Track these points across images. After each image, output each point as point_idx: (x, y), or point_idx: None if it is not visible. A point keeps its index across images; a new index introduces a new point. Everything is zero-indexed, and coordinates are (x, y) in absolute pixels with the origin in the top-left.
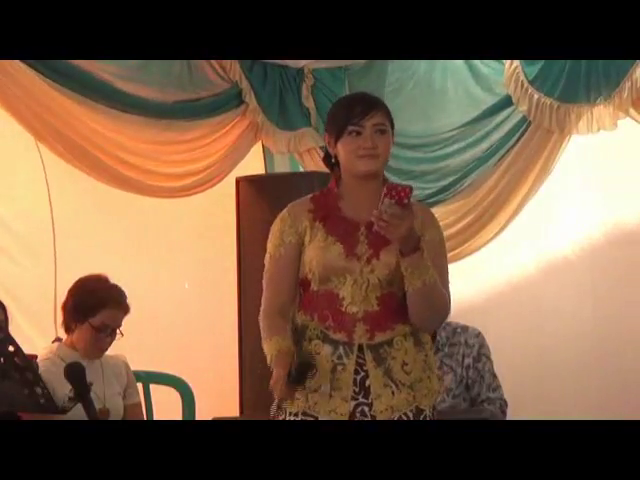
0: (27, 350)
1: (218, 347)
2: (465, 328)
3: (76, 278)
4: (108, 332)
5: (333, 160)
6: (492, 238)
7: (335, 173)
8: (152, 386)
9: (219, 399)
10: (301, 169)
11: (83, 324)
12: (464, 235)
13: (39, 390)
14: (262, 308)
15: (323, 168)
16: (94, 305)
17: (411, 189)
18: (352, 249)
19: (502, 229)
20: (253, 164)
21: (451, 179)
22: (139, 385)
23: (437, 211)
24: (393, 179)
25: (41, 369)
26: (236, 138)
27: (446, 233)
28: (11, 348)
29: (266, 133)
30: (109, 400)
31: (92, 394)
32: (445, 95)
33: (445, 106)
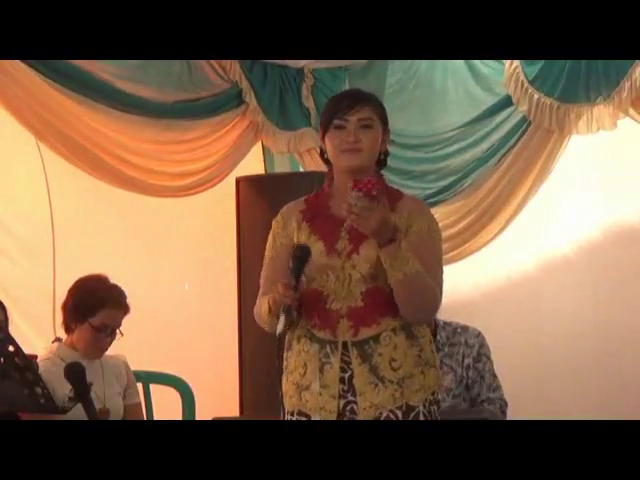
0: (26, 350)
1: (218, 347)
2: (465, 328)
3: (75, 278)
4: (108, 332)
5: (325, 155)
6: (492, 238)
7: (329, 171)
8: (152, 386)
9: (219, 399)
10: (301, 169)
11: (83, 324)
12: (464, 235)
13: (39, 390)
14: (255, 306)
15: (323, 168)
16: (94, 305)
17: (377, 180)
18: (332, 246)
19: (502, 229)
20: (253, 164)
21: (451, 179)
22: (139, 385)
23: (437, 211)
24: (393, 179)
25: (41, 369)
26: (236, 138)
27: (446, 233)
28: (11, 348)
29: (266, 133)
30: (109, 400)
31: (92, 394)
32: (445, 95)
33: (445, 106)
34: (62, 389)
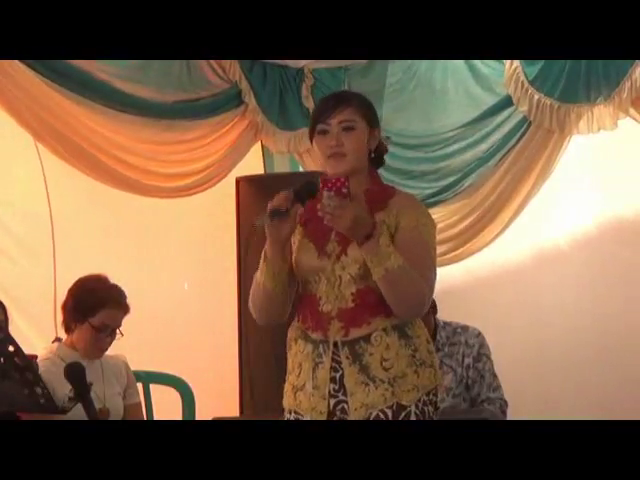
0: (26, 350)
1: (218, 347)
2: (465, 328)
3: (75, 278)
4: (108, 332)
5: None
6: (493, 238)
7: (326, 174)
8: (152, 386)
9: (219, 399)
10: (301, 169)
11: (83, 324)
12: (466, 235)
13: (39, 390)
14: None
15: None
16: (94, 305)
17: (346, 178)
18: (323, 248)
19: (503, 229)
20: (253, 164)
21: (451, 179)
22: (139, 385)
23: (438, 211)
24: (393, 179)
25: (41, 369)
26: (236, 138)
27: (447, 234)
28: (11, 348)
29: (266, 133)
30: (109, 400)
31: (92, 394)
32: (445, 95)
33: (445, 106)
34: (62, 389)
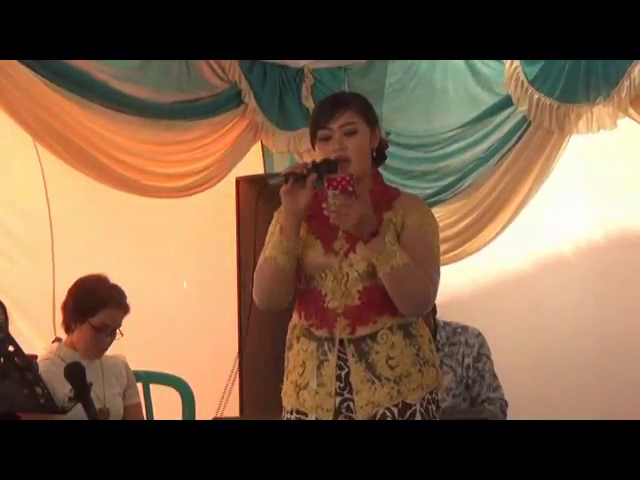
0: (26, 350)
1: (218, 347)
2: (465, 328)
3: (75, 278)
4: (108, 332)
5: None
6: (492, 238)
7: None
8: (152, 386)
9: (219, 399)
10: None
11: (83, 324)
12: (465, 235)
13: (39, 390)
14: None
15: None
16: (94, 305)
17: (351, 176)
18: (330, 245)
19: (502, 229)
20: (253, 164)
21: (451, 179)
22: (139, 385)
23: (437, 211)
24: (393, 179)
25: (41, 369)
26: (235, 138)
27: (446, 233)
28: (11, 348)
29: (266, 133)
30: (109, 400)
31: (92, 394)
32: (445, 95)
33: (445, 106)
34: (62, 389)
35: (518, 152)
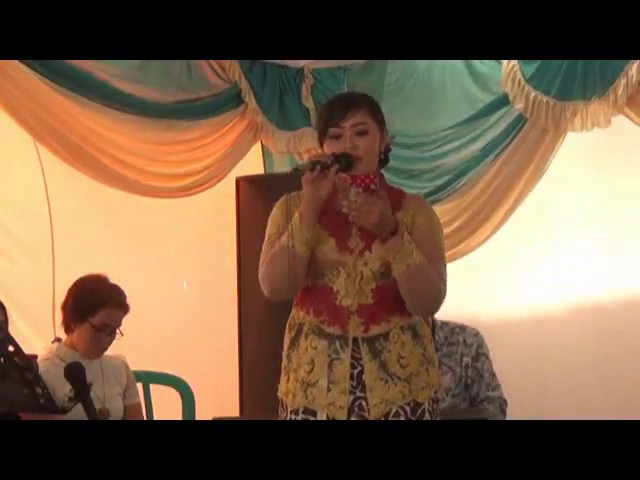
0: (26, 350)
1: (218, 347)
2: (463, 328)
3: (75, 278)
4: (108, 332)
5: None
6: (488, 237)
7: None
8: (152, 386)
9: (219, 399)
10: None
11: (83, 324)
12: (460, 234)
13: (39, 390)
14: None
15: None
16: (94, 305)
17: (376, 175)
18: (344, 242)
19: (497, 228)
20: (253, 164)
21: (447, 178)
22: (139, 385)
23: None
24: (391, 178)
25: (41, 369)
26: (235, 138)
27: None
28: (11, 348)
29: (266, 133)
30: (109, 400)
31: (92, 394)
32: (443, 94)
33: (443, 105)
34: (62, 389)
35: (513, 150)
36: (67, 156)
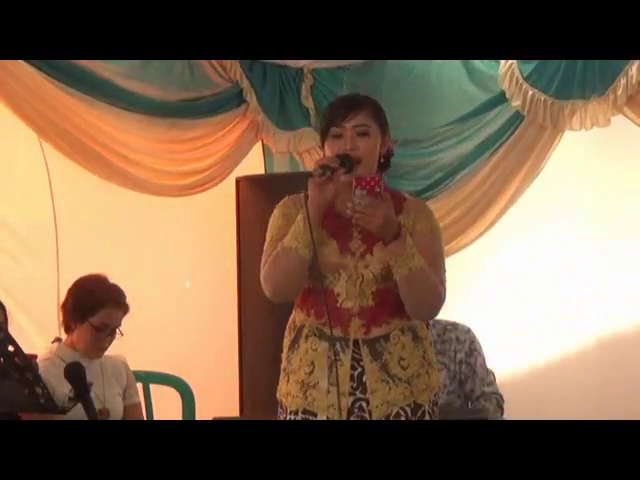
0: (27, 350)
1: (218, 347)
2: (455, 325)
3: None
4: (108, 332)
5: None
6: (482, 233)
7: None
8: (152, 386)
9: (219, 399)
10: (301, 169)
11: (83, 324)
12: (453, 230)
13: (39, 390)
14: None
15: None
16: (93, 305)
17: (381, 177)
18: (346, 245)
19: (491, 225)
20: (253, 164)
21: (442, 174)
22: (139, 385)
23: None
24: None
25: (41, 369)
26: (237, 137)
27: None
28: (11, 348)
29: (266, 133)
30: (109, 401)
31: (92, 394)
32: (441, 91)
33: (441, 102)
34: (62, 389)
35: (509, 147)
36: (72, 153)
